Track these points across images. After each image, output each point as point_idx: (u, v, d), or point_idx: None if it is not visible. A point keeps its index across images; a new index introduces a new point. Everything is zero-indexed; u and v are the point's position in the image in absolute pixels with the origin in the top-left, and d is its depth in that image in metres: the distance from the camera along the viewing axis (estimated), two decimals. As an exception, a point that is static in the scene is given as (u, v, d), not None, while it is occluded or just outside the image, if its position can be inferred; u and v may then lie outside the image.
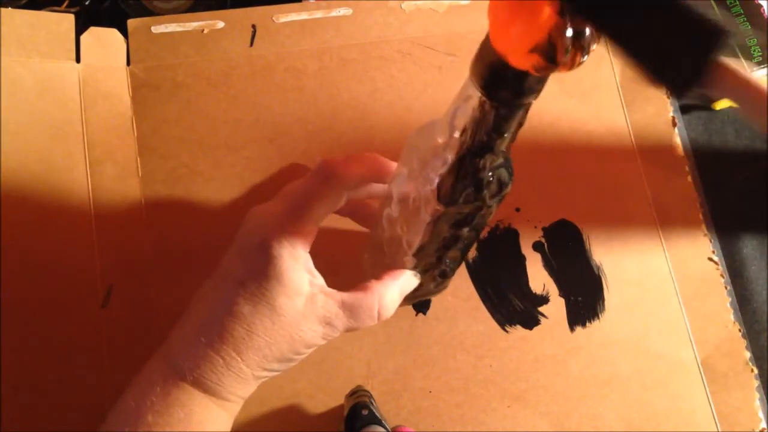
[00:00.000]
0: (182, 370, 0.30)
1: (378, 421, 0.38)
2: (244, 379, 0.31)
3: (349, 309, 0.32)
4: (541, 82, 0.25)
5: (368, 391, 0.41)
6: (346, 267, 0.37)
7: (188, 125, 0.46)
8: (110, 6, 0.48)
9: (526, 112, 0.27)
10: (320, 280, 0.32)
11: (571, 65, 0.24)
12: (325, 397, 0.42)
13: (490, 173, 0.29)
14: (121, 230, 0.43)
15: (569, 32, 0.23)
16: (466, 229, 0.32)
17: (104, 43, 0.46)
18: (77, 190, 0.43)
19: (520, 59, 0.24)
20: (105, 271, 0.42)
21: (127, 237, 0.43)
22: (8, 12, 0.45)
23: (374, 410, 0.39)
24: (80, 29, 0.46)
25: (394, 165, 0.33)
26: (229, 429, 0.33)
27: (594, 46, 0.24)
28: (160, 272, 0.43)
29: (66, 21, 0.46)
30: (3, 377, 0.39)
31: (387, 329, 0.43)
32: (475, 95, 0.26)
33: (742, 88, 0.24)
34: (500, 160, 0.29)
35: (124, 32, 0.47)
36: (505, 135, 0.27)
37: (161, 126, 0.45)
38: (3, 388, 0.39)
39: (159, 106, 0.46)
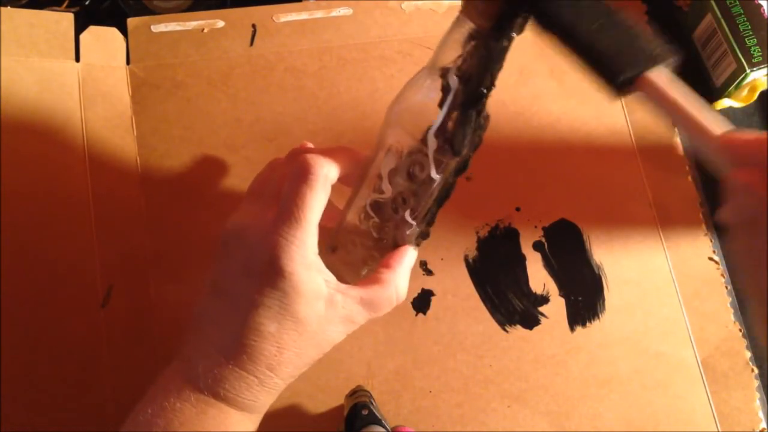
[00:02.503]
0: (214, 389, 0.30)
1: (378, 421, 0.38)
2: (277, 391, 0.32)
3: (368, 304, 0.32)
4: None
5: (368, 391, 0.41)
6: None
7: (188, 125, 0.46)
8: (110, 5, 0.48)
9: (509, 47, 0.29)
10: (333, 278, 0.32)
11: None
12: (325, 397, 0.41)
13: (485, 114, 0.30)
14: (121, 230, 0.43)
15: None
16: (463, 171, 0.33)
17: (104, 42, 0.46)
18: (77, 189, 0.43)
19: None
20: (105, 271, 0.42)
21: (127, 237, 0.43)
22: (8, 11, 0.45)
23: (374, 410, 0.39)
24: (80, 28, 0.46)
25: (363, 154, 0.33)
26: None
27: None
28: (160, 272, 0.43)
29: (65, 20, 0.46)
30: (3, 377, 0.39)
31: (387, 329, 0.43)
32: (467, 39, 0.28)
33: (665, 102, 0.28)
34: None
35: (124, 31, 0.47)
36: (495, 66, 0.29)
37: (161, 125, 0.45)
38: (3, 388, 0.39)
39: (159, 106, 0.46)
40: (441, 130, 0.30)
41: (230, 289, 0.31)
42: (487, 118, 0.31)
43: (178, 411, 0.30)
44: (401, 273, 0.34)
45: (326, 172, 0.31)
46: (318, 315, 0.31)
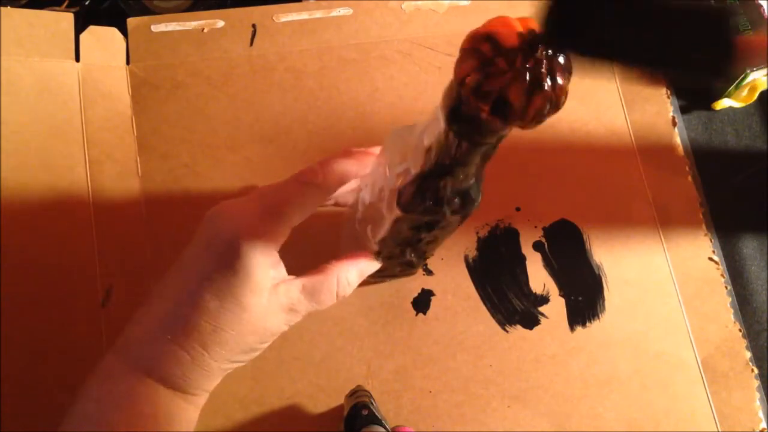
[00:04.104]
0: (146, 366, 0.30)
1: (378, 421, 0.38)
2: (211, 372, 0.31)
3: (309, 292, 0.32)
4: (503, 129, 0.24)
5: (368, 391, 0.41)
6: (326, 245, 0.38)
7: (188, 125, 0.46)
8: (110, 5, 0.48)
9: (495, 147, 0.26)
10: (282, 270, 0.32)
11: (533, 121, 0.21)
12: (325, 397, 0.41)
13: (453, 193, 0.28)
14: (121, 230, 0.43)
15: (530, 84, 0.20)
16: (426, 233, 0.32)
17: (104, 42, 0.46)
18: (77, 189, 0.43)
19: (470, 103, 0.22)
20: (105, 271, 0.42)
21: (127, 237, 0.43)
22: (7, 11, 0.45)
23: (374, 410, 0.39)
24: (80, 28, 0.46)
25: (376, 153, 0.33)
26: (195, 421, 0.33)
27: (563, 102, 0.21)
28: (160, 272, 0.42)
29: (65, 20, 0.46)
30: (3, 377, 0.39)
31: (387, 329, 0.43)
32: (442, 120, 0.24)
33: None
34: (470, 181, 0.28)
35: (124, 31, 0.47)
36: (467, 166, 0.26)
37: (161, 125, 0.45)
38: (3, 388, 0.39)
39: (159, 106, 0.46)
40: (402, 187, 0.28)
41: (187, 263, 0.31)
42: (463, 202, 0.29)
43: (109, 393, 0.30)
44: (348, 268, 0.34)
45: (321, 183, 0.32)
46: (261, 304, 0.31)
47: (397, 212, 0.29)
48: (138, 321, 0.32)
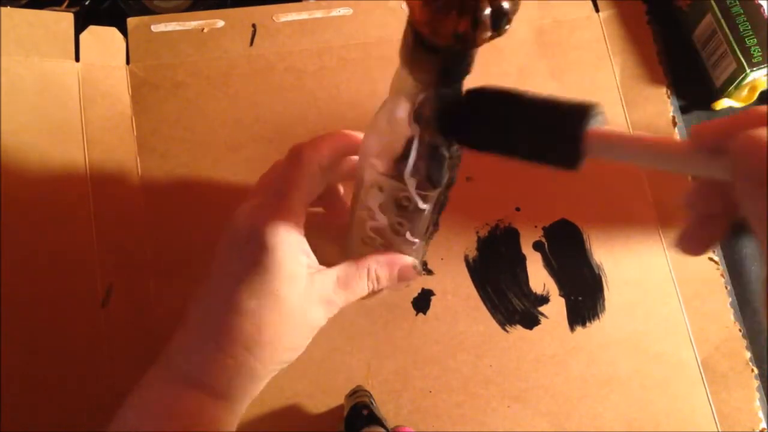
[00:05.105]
0: (189, 375, 0.30)
1: (378, 421, 0.38)
2: (256, 376, 0.31)
3: (343, 282, 0.32)
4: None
5: (368, 391, 0.41)
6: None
7: (188, 125, 0.46)
8: (110, 5, 0.48)
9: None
10: (313, 257, 0.32)
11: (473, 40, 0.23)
12: (325, 397, 0.41)
13: (455, 149, 0.29)
14: (121, 230, 0.43)
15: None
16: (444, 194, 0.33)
17: (104, 41, 0.46)
18: (77, 189, 0.43)
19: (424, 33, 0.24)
20: (105, 270, 0.42)
21: (127, 237, 0.43)
22: (7, 11, 0.45)
23: (374, 410, 0.39)
24: (80, 28, 0.46)
25: (360, 136, 0.33)
26: (235, 428, 0.32)
27: (508, 26, 0.23)
28: (160, 272, 0.43)
29: (65, 20, 0.46)
30: (3, 377, 0.39)
31: (387, 329, 0.43)
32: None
33: (620, 142, 0.26)
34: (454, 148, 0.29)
35: (124, 31, 0.47)
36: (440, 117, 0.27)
37: (161, 125, 0.45)
38: (3, 388, 0.39)
39: (158, 106, 0.46)
40: (416, 169, 0.29)
41: (217, 270, 0.31)
42: (459, 149, 0.30)
43: (152, 402, 0.30)
44: (380, 260, 0.34)
45: (310, 153, 0.32)
46: (298, 294, 0.30)
47: (432, 194, 0.30)
48: (178, 333, 0.32)
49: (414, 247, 0.35)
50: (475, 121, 0.26)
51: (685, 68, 0.50)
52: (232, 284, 0.30)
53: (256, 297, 0.30)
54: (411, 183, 0.29)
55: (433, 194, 0.30)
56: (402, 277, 0.35)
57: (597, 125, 0.27)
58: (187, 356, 0.30)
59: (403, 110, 0.27)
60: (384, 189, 0.31)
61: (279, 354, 0.31)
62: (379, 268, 0.34)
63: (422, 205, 0.31)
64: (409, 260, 0.35)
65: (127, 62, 0.46)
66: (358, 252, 0.36)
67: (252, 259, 0.30)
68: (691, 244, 0.26)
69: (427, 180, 0.29)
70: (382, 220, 0.33)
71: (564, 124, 0.26)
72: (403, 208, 0.32)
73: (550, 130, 0.26)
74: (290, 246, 0.30)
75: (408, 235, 0.33)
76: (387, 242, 0.35)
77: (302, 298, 0.31)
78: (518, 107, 0.26)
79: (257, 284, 0.30)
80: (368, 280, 0.33)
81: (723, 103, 0.49)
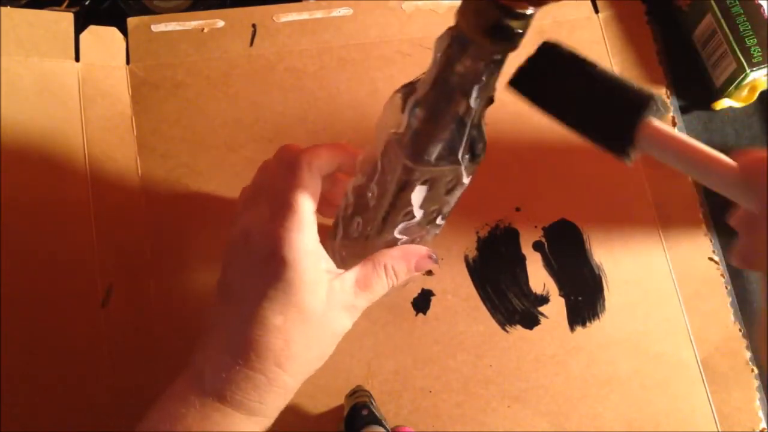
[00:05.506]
0: (221, 394, 0.30)
1: (378, 421, 0.38)
2: (286, 390, 0.31)
3: (363, 284, 0.32)
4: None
5: (368, 391, 0.41)
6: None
7: (188, 125, 0.46)
8: (110, 5, 0.48)
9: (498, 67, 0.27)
10: (332, 264, 0.32)
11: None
12: (325, 397, 0.41)
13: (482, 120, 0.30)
14: (121, 230, 0.43)
15: None
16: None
17: (104, 41, 0.46)
18: (77, 189, 0.43)
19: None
20: (105, 270, 0.42)
21: (127, 237, 0.43)
22: (7, 11, 0.45)
23: (374, 410, 0.39)
24: (80, 28, 0.46)
25: (354, 151, 0.33)
26: None
27: None
28: (160, 272, 0.43)
29: (65, 20, 0.46)
30: (3, 377, 0.39)
31: (387, 329, 0.43)
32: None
33: (670, 143, 0.26)
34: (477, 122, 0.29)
35: (124, 31, 0.47)
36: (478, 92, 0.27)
37: (161, 125, 0.45)
38: (3, 388, 0.39)
39: (158, 105, 0.46)
40: (467, 146, 0.29)
41: (236, 288, 0.31)
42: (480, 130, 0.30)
43: (181, 417, 0.30)
44: (395, 255, 0.34)
45: (310, 160, 0.31)
46: (321, 303, 0.31)
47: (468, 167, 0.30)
48: (201, 350, 0.32)
49: (429, 237, 0.35)
50: (541, 74, 0.26)
51: (684, 68, 0.50)
52: (254, 302, 0.30)
53: (282, 312, 0.30)
54: (465, 161, 0.29)
55: (476, 166, 0.31)
56: (419, 267, 0.35)
57: (655, 118, 0.26)
58: (217, 373, 0.30)
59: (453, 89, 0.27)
60: (433, 180, 0.31)
61: (308, 365, 0.32)
62: (395, 263, 0.34)
63: (466, 180, 0.31)
64: (423, 249, 0.35)
65: (127, 62, 0.46)
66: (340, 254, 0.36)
67: (273, 275, 0.30)
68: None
69: (471, 152, 0.29)
70: (419, 215, 0.33)
71: (622, 109, 0.25)
72: (449, 192, 0.32)
73: (606, 110, 0.26)
74: (309, 256, 0.30)
75: (439, 219, 0.34)
76: (410, 238, 0.35)
77: (326, 306, 0.31)
78: (584, 77, 0.26)
79: (281, 300, 0.30)
80: (387, 277, 0.33)
81: (723, 104, 0.49)
